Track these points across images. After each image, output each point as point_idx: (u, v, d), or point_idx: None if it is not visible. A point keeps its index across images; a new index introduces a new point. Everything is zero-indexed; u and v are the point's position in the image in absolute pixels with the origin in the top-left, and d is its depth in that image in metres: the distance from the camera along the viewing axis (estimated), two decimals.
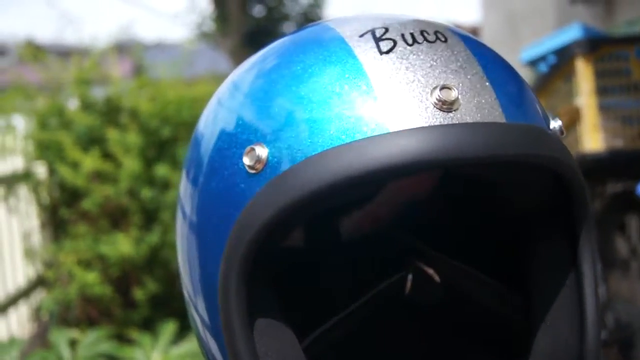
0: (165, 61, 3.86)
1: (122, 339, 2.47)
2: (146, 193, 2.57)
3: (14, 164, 2.73)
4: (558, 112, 1.93)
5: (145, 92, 2.83)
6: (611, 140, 1.74)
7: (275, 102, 0.57)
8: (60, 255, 2.52)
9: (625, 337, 1.90)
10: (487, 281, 0.69)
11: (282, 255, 0.62)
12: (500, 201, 0.66)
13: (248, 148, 0.55)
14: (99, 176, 2.57)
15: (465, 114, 0.54)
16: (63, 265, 2.51)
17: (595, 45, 1.74)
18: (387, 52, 0.56)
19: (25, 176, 2.70)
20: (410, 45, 0.57)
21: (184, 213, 0.65)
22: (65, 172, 2.55)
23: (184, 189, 0.67)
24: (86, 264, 2.51)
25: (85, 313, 2.58)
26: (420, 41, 0.57)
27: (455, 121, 0.53)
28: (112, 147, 2.58)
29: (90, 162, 2.52)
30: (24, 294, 2.74)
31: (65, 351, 2.15)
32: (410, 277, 0.74)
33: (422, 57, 0.56)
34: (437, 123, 0.53)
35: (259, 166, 0.54)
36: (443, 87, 0.54)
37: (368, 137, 0.53)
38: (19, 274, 2.76)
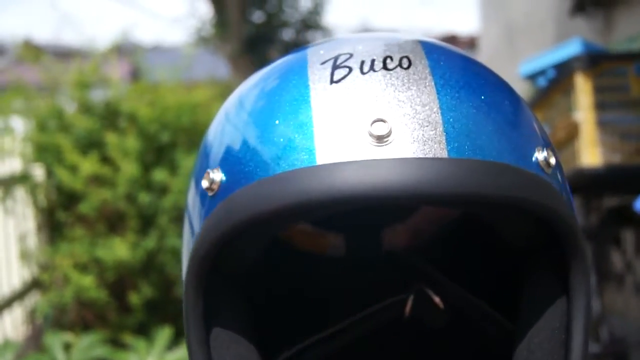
0: (164, 65, 3.87)
1: (117, 343, 2.46)
2: (144, 198, 2.57)
3: (12, 165, 2.73)
4: (556, 126, 1.94)
5: (144, 97, 2.83)
6: (609, 156, 1.75)
7: (230, 127, 0.60)
8: (56, 258, 2.52)
9: (620, 351, 1.91)
10: (490, 312, 0.68)
11: (268, 268, 0.67)
12: (495, 234, 0.64)
13: (207, 172, 0.58)
14: (97, 180, 2.57)
15: (399, 148, 0.52)
16: (59, 268, 2.51)
17: (595, 60, 1.76)
18: (338, 81, 0.56)
19: (23, 178, 2.70)
20: (364, 73, 0.56)
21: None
22: (63, 175, 2.55)
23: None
24: (82, 268, 2.51)
25: (80, 317, 2.58)
26: (377, 69, 0.56)
27: (385, 156, 0.51)
28: (111, 151, 2.58)
29: (88, 165, 2.52)
30: (18, 296, 2.73)
31: (60, 354, 2.15)
32: (411, 299, 0.74)
33: (369, 86, 0.55)
34: (368, 157, 0.51)
35: (215, 187, 0.57)
36: (377, 120, 0.52)
37: (292, 170, 0.53)
38: (14, 276, 2.76)
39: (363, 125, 0.53)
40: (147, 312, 2.57)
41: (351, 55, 0.58)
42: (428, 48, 0.59)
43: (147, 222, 2.63)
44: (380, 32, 0.64)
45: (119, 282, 2.56)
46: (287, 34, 9.76)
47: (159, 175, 2.63)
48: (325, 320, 0.73)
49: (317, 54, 0.60)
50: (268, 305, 0.71)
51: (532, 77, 2.10)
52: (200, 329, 0.58)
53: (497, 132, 0.55)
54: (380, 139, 0.52)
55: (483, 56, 4.48)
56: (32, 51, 3.14)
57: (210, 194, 0.57)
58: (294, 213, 0.53)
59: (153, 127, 2.68)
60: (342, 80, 0.56)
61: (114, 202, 2.54)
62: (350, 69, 0.56)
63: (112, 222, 2.60)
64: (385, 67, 0.56)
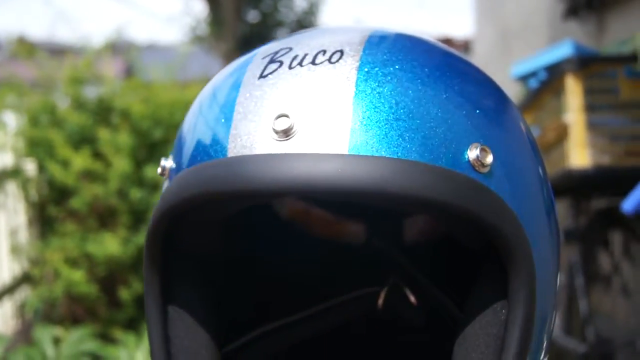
0: (158, 63, 3.87)
1: (107, 338, 2.47)
2: (135, 194, 2.58)
3: (4, 160, 2.73)
4: (546, 128, 1.95)
5: (137, 94, 2.83)
6: (598, 157, 1.76)
7: (185, 118, 0.63)
8: (47, 253, 2.52)
9: (606, 351, 1.92)
10: (459, 315, 0.66)
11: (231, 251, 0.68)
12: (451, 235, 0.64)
13: (162, 159, 0.62)
14: (89, 175, 2.57)
15: (298, 144, 0.52)
16: (49, 263, 2.51)
17: (585, 63, 1.77)
18: (265, 75, 0.57)
19: (14, 173, 2.70)
20: (291, 68, 0.56)
21: None
22: (54, 170, 2.55)
23: None
24: (73, 263, 2.51)
25: (70, 311, 2.58)
26: (304, 64, 0.56)
27: (286, 150, 0.52)
28: (103, 147, 2.58)
29: (80, 160, 2.52)
30: (8, 290, 2.73)
31: (49, 348, 2.15)
32: (383, 292, 0.74)
33: (286, 81, 0.56)
34: (270, 151, 0.53)
35: (165, 174, 0.62)
36: (281, 115, 0.53)
37: (202, 162, 0.56)
38: (5, 270, 2.76)
39: (268, 120, 0.54)
40: (137, 307, 2.57)
41: (290, 50, 0.58)
42: (375, 41, 0.58)
43: (138, 218, 2.63)
44: (351, 25, 0.64)
45: (109, 278, 2.56)
46: (282, 34, 9.77)
47: (151, 171, 2.63)
48: (295, 307, 0.74)
49: (266, 48, 0.61)
50: (235, 288, 0.72)
51: (524, 78, 2.12)
52: (156, 310, 0.61)
53: (415, 128, 0.53)
54: (282, 133, 0.53)
55: (477, 59, 4.49)
56: (26, 47, 3.13)
57: (164, 179, 0.62)
58: (202, 204, 0.55)
59: (146, 123, 2.68)
60: (269, 75, 0.57)
61: (105, 197, 2.54)
62: (281, 64, 0.57)
63: (104, 218, 2.60)
64: (313, 62, 0.56)
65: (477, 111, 0.56)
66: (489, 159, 0.54)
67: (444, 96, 0.56)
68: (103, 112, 2.75)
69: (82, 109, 2.73)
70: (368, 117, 0.53)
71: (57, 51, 4.10)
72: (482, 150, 0.54)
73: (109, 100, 2.76)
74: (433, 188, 0.51)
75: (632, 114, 1.77)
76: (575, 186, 1.89)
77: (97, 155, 2.62)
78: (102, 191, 2.53)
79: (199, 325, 0.62)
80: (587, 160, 1.75)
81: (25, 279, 2.75)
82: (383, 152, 0.52)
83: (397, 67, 0.56)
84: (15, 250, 2.71)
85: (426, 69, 0.57)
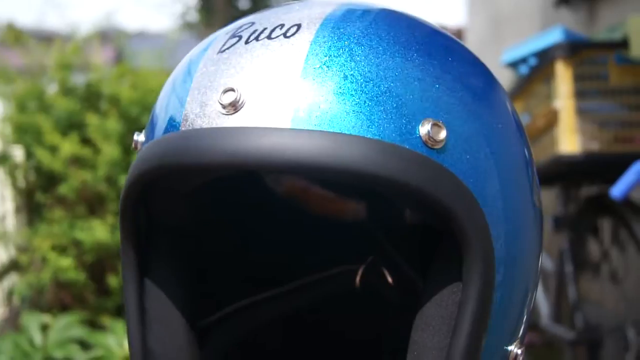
0: (148, 50, 3.84)
1: (95, 325, 2.46)
2: (124, 180, 2.55)
3: None
4: (536, 115, 1.95)
5: (126, 80, 2.81)
6: (588, 143, 1.76)
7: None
8: (35, 240, 2.51)
9: (594, 338, 1.93)
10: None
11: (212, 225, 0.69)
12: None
13: (136, 133, 0.63)
14: (77, 161, 2.55)
15: (243, 118, 0.53)
16: (37, 250, 2.49)
17: (575, 49, 1.77)
18: (223, 50, 0.57)
19: (2, 159, 2.68)
20: (247, 43, 0.57)
21: None
22: (42, 155, 2.53)
23: None
24: (61, 249, 2.50)
25: (58, 298, 2.57)
26: (260, 38, 0.56)
27: (232, 124, 0.53)
28: (92, 133, 2.56)
29: (68, 146, 2.50)
30: None
31: (37, 335, 2.15)
32: (361, 270, 0.74)
33: (238, 56, 0.56)
34: (217, 125, 0.53)
35: (138, 147, 0.63)
36: (228, 90, 0.53)
37: (158, 137, 0.57)
38: None
39: (216, 94, 0.54)
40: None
41: (252, 25, 0.58)
42: (338, 15, 0.57)
43: None
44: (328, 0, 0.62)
45: (98, 264, 2.55)
46: None
47: None
48: (274, 284, 0.74)
49: (234, 24, 0.61)
50: (213, 263, 0.72)
51: (514, 64, 2.11)
52: (133, 282, 0.62)
53: (363, 103, 0.52)
54: (228, 107, 0.53)
55: (470, 47, 4.46)
56: (15, 33, 3.10)
57: (137, 152, 0.63)
58: (156, 177, 0.56)
59: (135, 109, 2.66)
60: (226, 50, 0.57)
61: (94, 184, 2.52)
62: (239, 39, 0.57)
63: (92, 204, 2.58)
64: (269, 36, 0.56)
65: (437, 86, 0.55)
66: (442, 134, 0.52)
67: (399, 70, 0.54)
68: (91, 97, 2.73)
69: (71, 95, 2.70)
70: (313, 91, 0.52)
71: (46, 38, 4.07)
72: (434, 125, 0.52)
73: (98, 86, 2.74)
74: (371, 162, 0.50)
75: (621, 100, 1.77)
76: (565, 172, 1.89)
77: (86, 141, 2.60)
78: (91, 178, 2.51)
79: (172, 297, 0.63)
80: (577, 147, 1.75)
81: (13, 266, 2.73)
82: (325, 127, 0.51)
83: (352, 40, 0.55)
84: (2, 237, 2.70)
85: (384, 43, 0.55)
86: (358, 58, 0.54)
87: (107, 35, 4.21)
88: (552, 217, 2.11)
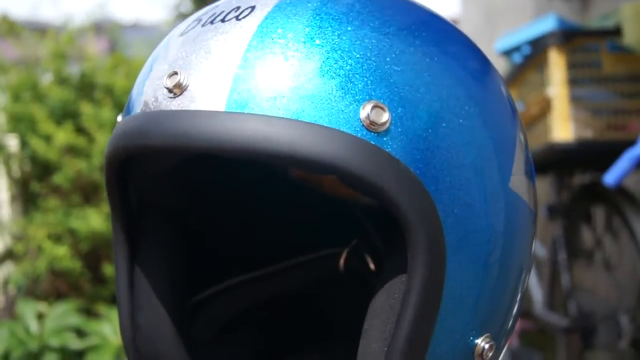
0: (142, 41, 3.84)
1: (91, 313, 2.46)
2: None
3: None
4: (530, 103, 1.96)
5: (120, 69, 2.81)
6: (581, 131, 1.76)
7: None
8: (30, 229, 2.51)
9: (588, 325, 1.94)
10: None
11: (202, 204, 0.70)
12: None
13: (119, 116, 0.63)
14: (72, 150, 2.55)
15: (184, 101, 0.53)
16: (33, 239, 2.49)
17: (568, 36, 1.77)
18: (182, 33, 0.58)
19: None
20: (203, 26, 0.56)
21: None
22: (37, 145, 2.53)
23: None
24: (56, 238, 2.50)
25: (54, 287, 2.57)
26: (215, 21, 0.56)
27: (174, 107, 0.53)
28: (86, 122, 2.56)
29: (63, 135, 2.50)
30: None
31: (33, 323, 2.15)
32: (344, 254, 0.74)
33: (191, 39, 0.56)
34: (162, 109, 0.54)
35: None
36: (172, 73, 0.54)
37: (121, 120, 0.58)
38: None
39: (163, 77, 0.54)
40: None
41: (215, 7, 0.58)
42: None
43: None
44: None
45: (93, 253, 2.56)
46: None
47: None
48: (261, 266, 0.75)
49: (205, 8, 0.61)
50: (203, 242, 0.73)
51: (508, 53, 2.12)
52: (123, 259, 0.63)
53: (301, 86, 0.50)
54: (171, 91, 0.53)
55: None
56: (9, 25, 3.10)
57: None
58: (119, 159, 0.57)
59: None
60: (185, 33, 0.57)
61: (88, 173, 2.53)
62: (198, 22, 0.57)
63: (87, 193, 2.59)
64: (222, 19, 0.55)
65: (387, 67, 0.52)
66: (384, 117, 0.50)
67: (341, 51, 0.52)
68: (86, 87, 2.73)
69: (65, 84, 2.70)
70: (251, 74, 0.51)
71: (40, 29, 4.06)
72: (375, 107, 0.50)
73: (92, 76, 2.74)
74: (303, 146, 0.48)
75: (614, 87, 1.78)
76: (558, 160, 1.90)
77: (80, 130, 2.60)
78: (86, 167, 2.51)
79: (160, 274, 0.64)
80: (570, 134, 1.75)
81: (8, 255, 2.73)
82: (261, 110, 0.50)
83: (302, 20, 0.53)
84: None
85: (335, 23, 0.53)
86: (303, 39, 0.52)
87: (101, 27, 4.20)
88: (546, 206, 2.12)
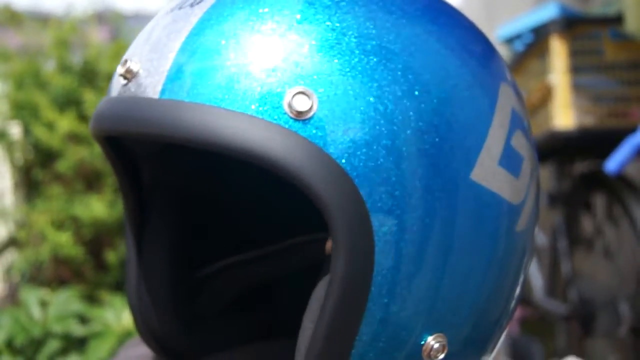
0: None
1: (94, 300, 2.47)
2: None
3: None
4: (531, 90, 1.96)
5: (122, 56, 2.81)
6: (582, 118, 1.77)
7: None
8: (33, 216, 2.52)
9: (588, 312, 1.95)
10: None
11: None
12: None
13: None
14: (74, 138, 2.56)
15: (131, 88, 0.54)
16: (35, 226, 2.50)
17: (570, 24, 1.77)
18: (155, 19, 0.60)
19: (0, 136, 2.68)
20: (170, 12, 0.57)
21: None
22: (40, 132, 2.53)
23: None
24: (59, 225, 2.51)
25: (56, 274, 2.58)
26: (181, 7, 0.56)
27: (124, 94, 0.55)
28: (89, 110, 2.57)
29: (65, 123, 2.51)
30: None
31: (36, 310, 2.16)
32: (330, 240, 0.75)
33: (152, 26, 0.57)
34: (116, 95, 0.56)
35: None
36: (125, 60, 0.55)
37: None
38: None
39: (119, 65, 0.56)
40: (124, 269, 2.58)
41: None
42: None
43: None
44: None
45: (96, 240, 2.56)
46: None
47: None
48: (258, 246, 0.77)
49: None
50: (205, 221, 0.75)
51: (509, 41, 2.12)
52: (131, 233, 0.66)
53: (230, 75, 0.50)
54: (124, 77, 0.55)
55: None
56: (12, 14, 3.09)
57: None
58: (96, 138, 0.61)
59: None
60: (155, 19, 0.60)
61: (91, 160, 2.53)
62: (172, 9, 0.58)
63: (90, 180, 2.59)
64: (180, 7, 0.56)
65: (319, 53, 0.50)
66: (305, 105, 0.48)
67: (268, 37, 0.51)
68: (88, 74, 2.73)
69: (68, 72, 2.70)
70: (185, 63, 0.52)
71: (43, 19, 4.05)
72: (298, 94, 0.49)
73: (94, 63, 2.74)
74: (219, 133, 0.48)
75: (616, 75, 1.78)
76: (559, 148, 1.90)
77: (83, 117, 2.61)
78: (88, 154, 2.52)
79: (161, 250, 0.67)
80: (572, 122, 1.76)
81: (11, 242, 2.74)
82: (192, 97, 0.50)
83: (243, 8, 0.53)
84: (1, 213, 2.70)
85: (266, 9, 0.52)
86: (241, 25, 0.52)
87: (103, 17, 4.19)
88: (547, 193, 2.13)
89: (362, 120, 0.49)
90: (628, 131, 1.50)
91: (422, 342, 0.54)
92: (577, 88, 1.77)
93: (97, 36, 3.11)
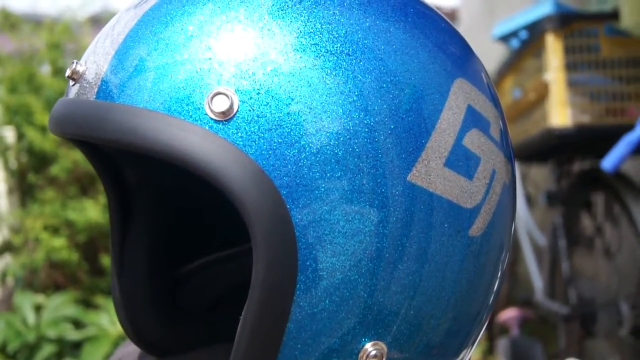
0: None
1: (88, 304, 2.46)
2: None
3: None
4: (527, 88, 1.94)
5: None
6: (579, 116, 1.75)
7: None
8: (27, 221, 2.50)
9: (588, 312, 1.93)
10: None
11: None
12: None
13: None
14: (68, 142, 2.54)
15: (77, 89, 0.55)
16: (30, 231, 2.49)
17: (566, 20, 1.75)
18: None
19: None
20: (122, 11, 0.58)
21: None
22: (33, 136, 2.52)
23: None
24: (53, 230, 2.50)
25: (51, 278, 2.57)
26: (128, 9, 0.57)
27: (69, 95, 0.56)
28: None
29: None
30: None
31: (30, 314, 2.15)
32: None
33: (105, 27, 0.58)
34: (66, 95, 0.57)
35: None
36: (75, 62, 0.56)
37: None
38: None
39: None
40: None
41: None
42: None
43: None
44: None
45: (90, 244, 2.55)
46: None
47: None
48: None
49: None
50: (187, 219, 0.75)
51: (505, 38, 2.10)
52: (116, 226, 0.67)
53: (157, 77, 0.50)
54: (70, 79, 0.56)
55: (463, 27, 4.47)
56: (6, 16, 3.08)
57: None
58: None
59: None
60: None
61: (85, 164, 2.52)
62: (126, 8, 0.58)
63: (84, 184, 2.58)
64: (134, 6, 0.57)
65: (240, 54, 0.49)
66: (224, 105, 0.48)
67: (192, 39, 0.50)
68: None
69: (61, 75, 2.69)
70: (119, 64, 0.52)
71: (40, 23, 4.05)
72: (218, 95, 0.48)
73: None
74: (140, 135, 0.48)
75: (612, 72, 1.76)
76: (556, 146, 1.88)
77: None
78: (82, 158, 2.50)
79: (142, 248, 0.68)
80: (568, 119, 1.73)
81: (6, 247, 2.73)
82: (122, 98, 0.51)
83: (175, 11, 0.53)
84: None
85: (194, 10, 0.52)
86: (171, 28, 0.52)
87: (98, 19, 4.18)
88: (545, 193, 2.10)
89: (284, 120, 0.48)
90: (625, 128, 1.48)
91: (359, 348, 0.52)
92: (573, 85, 1.75)
93: (92, 39, 3.10)
